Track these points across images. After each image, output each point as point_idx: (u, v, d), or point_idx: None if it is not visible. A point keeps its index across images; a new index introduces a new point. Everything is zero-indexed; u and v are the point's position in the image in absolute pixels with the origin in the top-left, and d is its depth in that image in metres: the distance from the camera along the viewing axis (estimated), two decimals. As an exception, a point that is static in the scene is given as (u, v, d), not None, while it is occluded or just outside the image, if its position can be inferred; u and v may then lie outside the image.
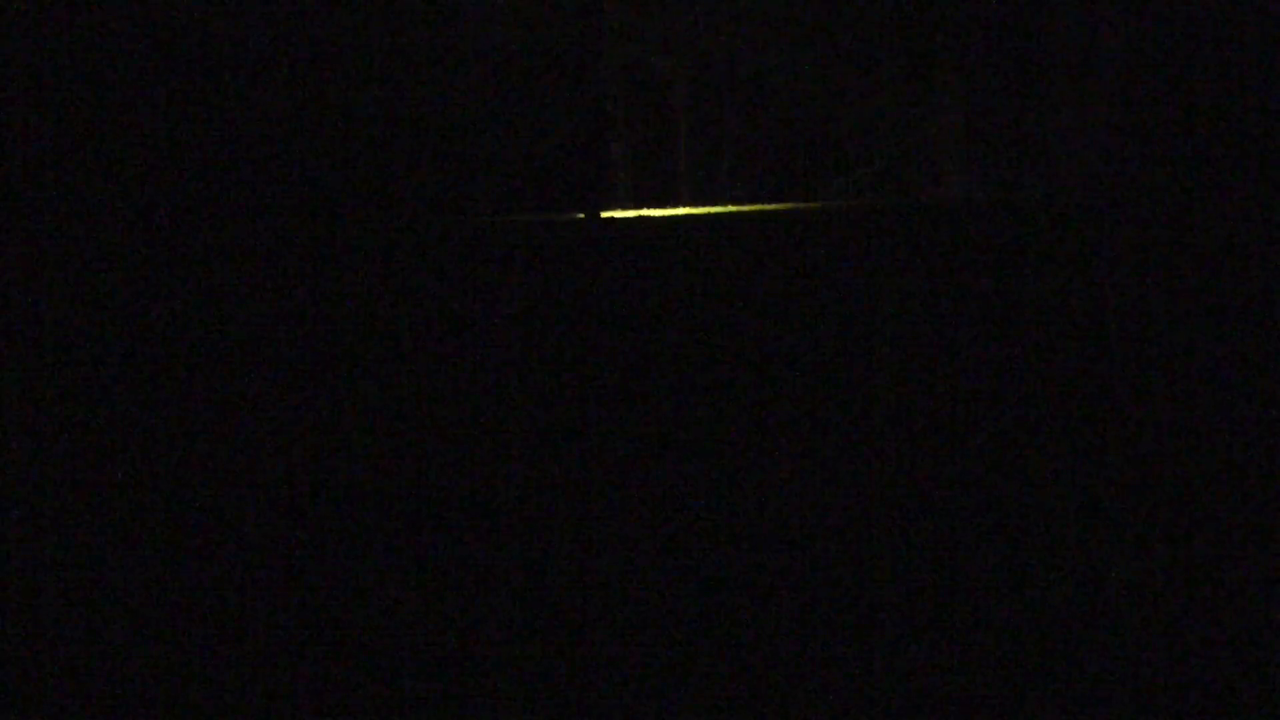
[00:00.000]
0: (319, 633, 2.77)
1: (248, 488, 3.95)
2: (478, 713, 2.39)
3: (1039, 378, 4.93)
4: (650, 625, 2.68)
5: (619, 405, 4.75)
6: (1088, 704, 2.29)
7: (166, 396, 5.13)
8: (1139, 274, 6.71)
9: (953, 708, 2.32)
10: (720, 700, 2.36)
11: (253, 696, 2.50)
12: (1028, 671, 2.38)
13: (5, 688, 2.57)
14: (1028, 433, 4.20)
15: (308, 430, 4.64)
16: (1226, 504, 3.32)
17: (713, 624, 2.71)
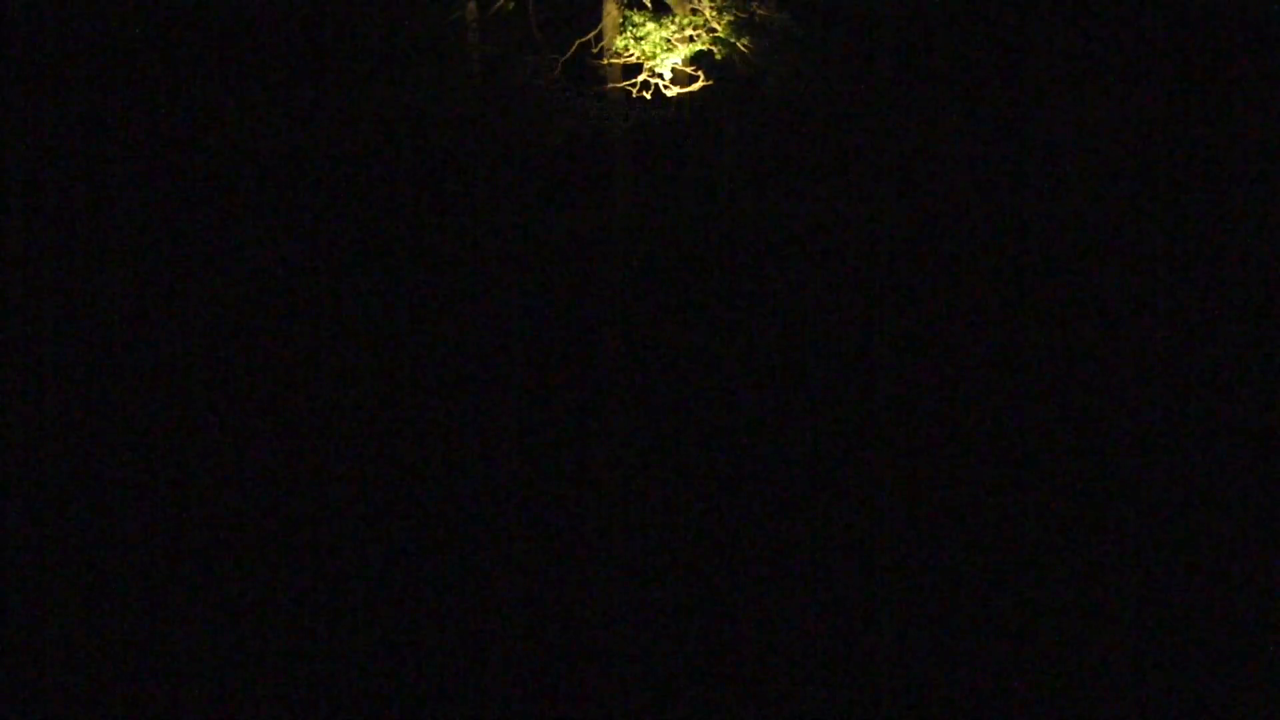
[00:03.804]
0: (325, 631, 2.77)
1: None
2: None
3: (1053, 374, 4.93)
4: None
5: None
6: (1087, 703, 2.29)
7: (167, 394, 5.13)
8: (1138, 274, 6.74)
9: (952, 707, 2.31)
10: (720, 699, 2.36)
11: (253, 695, 2.49)
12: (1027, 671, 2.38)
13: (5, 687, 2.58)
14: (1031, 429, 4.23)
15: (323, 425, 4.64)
16: (1226, 503, 3.32)
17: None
